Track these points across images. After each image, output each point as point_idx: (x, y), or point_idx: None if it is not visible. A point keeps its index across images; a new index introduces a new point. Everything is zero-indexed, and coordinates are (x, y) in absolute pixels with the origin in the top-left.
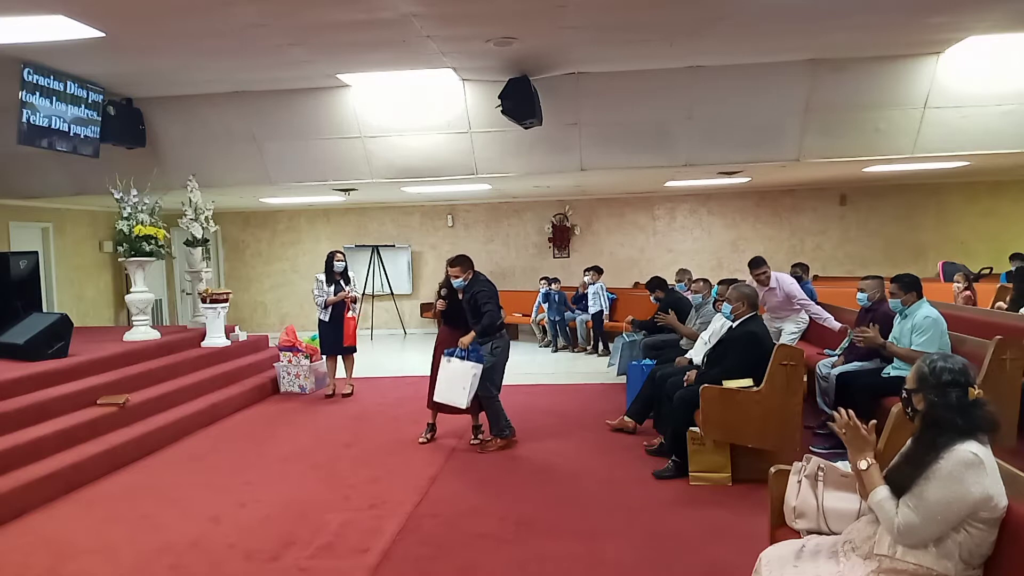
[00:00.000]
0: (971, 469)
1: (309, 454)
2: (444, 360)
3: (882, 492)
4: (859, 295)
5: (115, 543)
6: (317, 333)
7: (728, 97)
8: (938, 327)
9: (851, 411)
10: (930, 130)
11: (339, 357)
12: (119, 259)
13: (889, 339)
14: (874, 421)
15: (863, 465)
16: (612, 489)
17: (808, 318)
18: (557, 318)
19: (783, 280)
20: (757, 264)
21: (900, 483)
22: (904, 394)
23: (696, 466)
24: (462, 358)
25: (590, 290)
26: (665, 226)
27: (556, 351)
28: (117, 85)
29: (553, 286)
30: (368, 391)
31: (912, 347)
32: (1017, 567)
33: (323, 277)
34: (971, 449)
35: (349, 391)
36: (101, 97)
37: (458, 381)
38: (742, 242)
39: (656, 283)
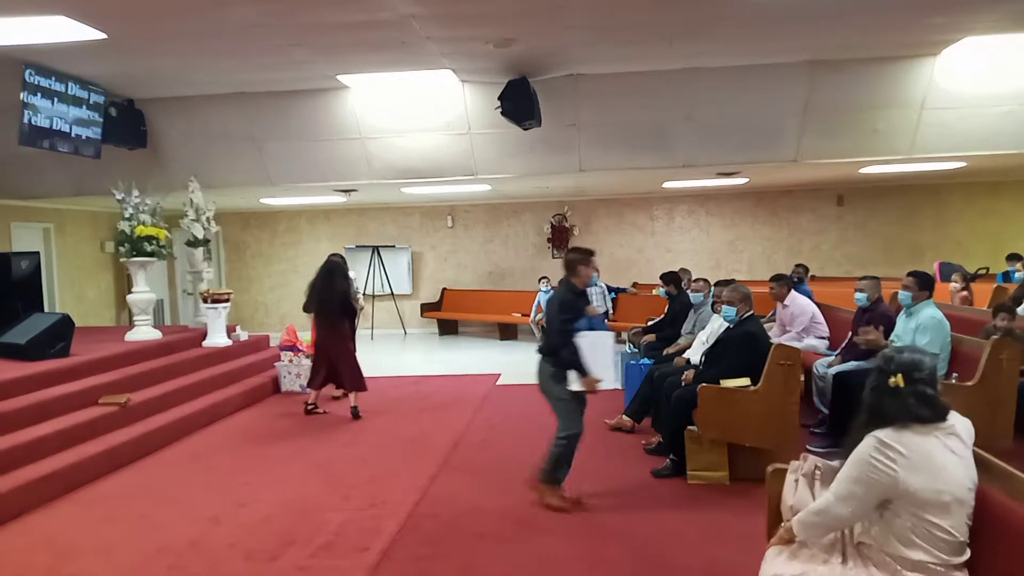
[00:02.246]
0: (878, 453)
1: (309, 454)
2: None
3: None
4: (858, 295)
5: (115, 543)
6: None
7: (727, 98)
8: (942, 328)
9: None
10: (928, 131)
11: None
12: (120, 259)
13: (891, 338)
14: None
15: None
16: (610, 488)
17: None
18: None
19: (798, 300)
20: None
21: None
22: None
23: (694, 465)
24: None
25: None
26: (664, 226)
27: None
28: (118, 86)
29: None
30: (367, 391)
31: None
32: (1014, 563)
33: None
34: (877, 434)
35: None
36: (102, 98)
37: (603, 354)
38: (740, 242)
39: (672, 278)
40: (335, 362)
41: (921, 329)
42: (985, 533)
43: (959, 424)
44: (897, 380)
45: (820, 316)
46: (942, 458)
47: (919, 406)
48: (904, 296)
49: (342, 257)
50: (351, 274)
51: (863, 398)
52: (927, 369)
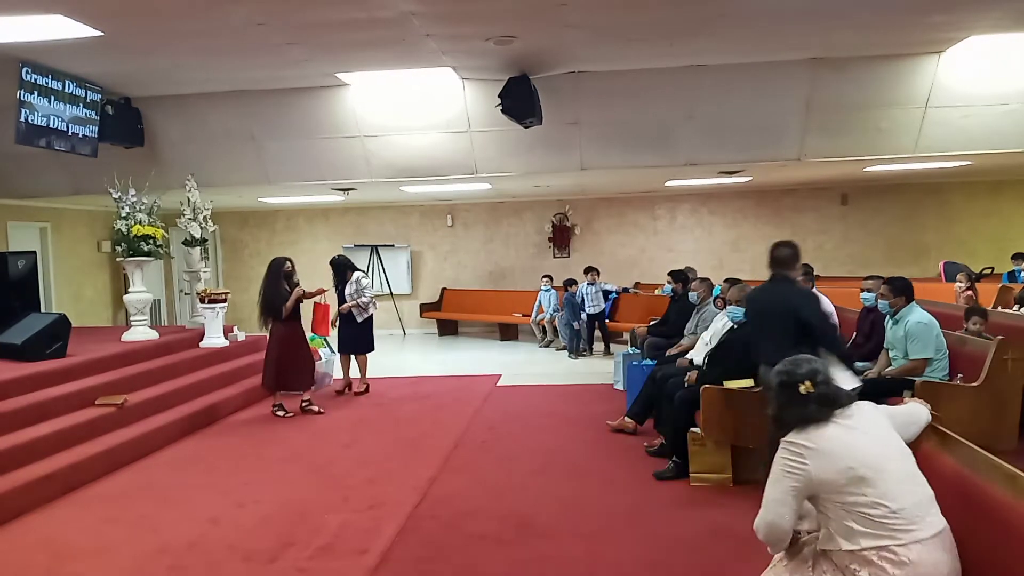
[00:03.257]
0: (787, 453)
1: (308, 455)
2: None
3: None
4: (867, 295)
5: (113, 544)
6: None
7: (729, 96)
8: (930, 331)
9: None
10: (932, 130)
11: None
12: (117, 259)
13: (885, 344)
14: None
15: None
16: (612, 490)
17: None
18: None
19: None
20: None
21: None
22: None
23: (697, 467)
24: None
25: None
26: (666, 226)
27: (576, 357)
28: (115, 84)
29: (571, 287)
30: (368, 393)
31: (909, 355)
32: (1019, 564)
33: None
34: (788, 438)
35: (363, 389)
36: (99, 96)
37: None
38: (743, 242)
39: (680, 276)
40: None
41: (910, 337)
42: (989, 534)
43: (861, 406)
44: (807, 386)
45: (836, 318)
46: (844, 437)
47: (820, 409)
48: (883, 305)
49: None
50: (356, 274)
51: (774, 418)
52: (822, 370)
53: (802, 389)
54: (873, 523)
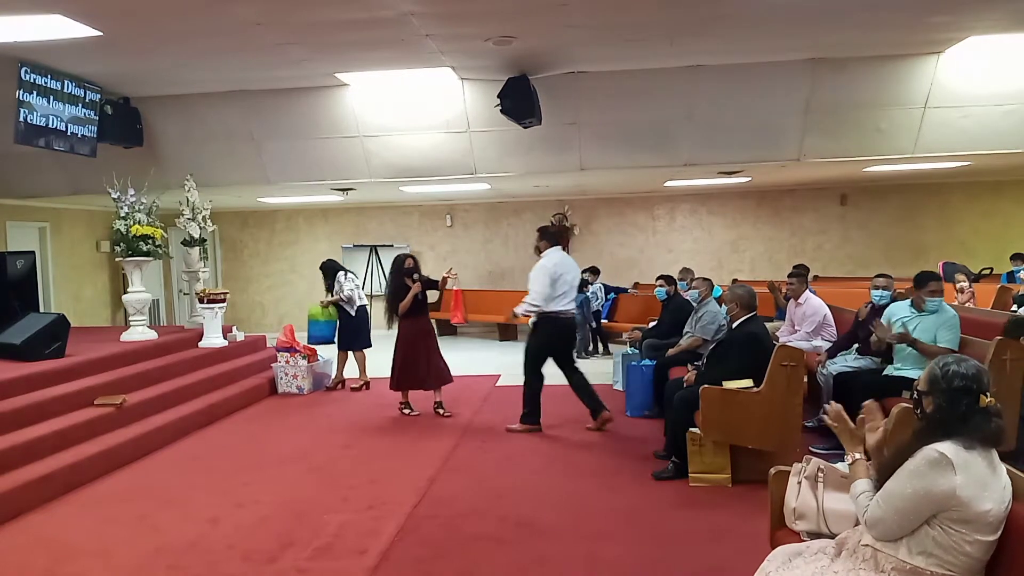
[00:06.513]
0: (934, 466)
1: (307, 455)
2: None
3: (861, 485)
4: (881, 292)
5: (113, 544)
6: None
7: (728, 97)
8: (959, 324)
9: (839, 405)
10: (931, 130)
11: (350, 354)
12: (116, 259)
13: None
14: (862, 416)
15: (849, 460)
16: (612, 490)
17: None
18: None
19: (812, 300)
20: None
21: (885, 479)
22: (915, 395)
23: (696, 467)
24: None
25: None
26: (665, 226)
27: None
28: (115, 84)
29: (584, 288)
30: (367, 391)
31: (938, 342)
32: (1019, 564)
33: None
34: (939, 448)
35: (359, 386)
36: (99, 96)
37: None
38: (742, 242)
39: (667, 278)
40: None
41: (946, 325)
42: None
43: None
44: (990, 400)
45: (831, 318)
46: (995, 477)
47: (999, 430)
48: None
49: (408, 256)
50: (339, 275)
51: (937, 420)
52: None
53: (984, 402)
54: (955, 556)
